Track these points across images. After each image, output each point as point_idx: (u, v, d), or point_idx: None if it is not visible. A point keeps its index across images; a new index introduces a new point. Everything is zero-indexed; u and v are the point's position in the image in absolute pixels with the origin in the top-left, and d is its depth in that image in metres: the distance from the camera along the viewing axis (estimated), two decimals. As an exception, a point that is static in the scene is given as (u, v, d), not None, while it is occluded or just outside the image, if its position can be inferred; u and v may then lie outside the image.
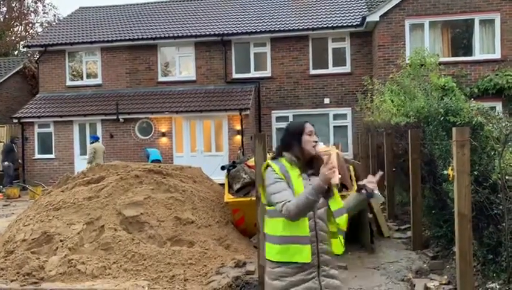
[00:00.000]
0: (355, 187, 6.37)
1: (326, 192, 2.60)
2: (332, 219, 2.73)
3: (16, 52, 31.13)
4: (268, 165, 2.79)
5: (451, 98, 8.10)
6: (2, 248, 6.17)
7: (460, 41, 15.40)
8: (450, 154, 5.25)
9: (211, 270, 5.57)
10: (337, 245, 2.76)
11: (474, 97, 11.59)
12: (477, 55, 14.88)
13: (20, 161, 17.20)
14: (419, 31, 15.09)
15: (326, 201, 2.72)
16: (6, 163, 16.33)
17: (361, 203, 2.86)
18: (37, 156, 17.41)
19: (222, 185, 7.44)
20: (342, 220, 2.73)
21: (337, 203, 2.74)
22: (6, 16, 31.70)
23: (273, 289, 2.73)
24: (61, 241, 5.95)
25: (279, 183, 2.68)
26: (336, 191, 2.75)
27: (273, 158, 2.86)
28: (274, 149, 2.95)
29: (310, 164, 2.79)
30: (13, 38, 32.47)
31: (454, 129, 4.27)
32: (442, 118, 6.19)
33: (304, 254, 2.65)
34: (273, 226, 2.74)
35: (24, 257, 5.74)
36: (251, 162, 6.55)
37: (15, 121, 17.48)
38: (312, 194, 2.50)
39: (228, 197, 6.75)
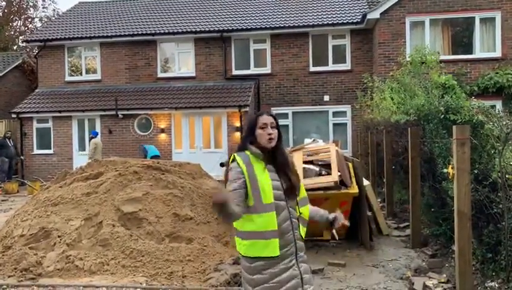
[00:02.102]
0: (354, 185, 6.36)
1: (291, 190, 2.73)
2: (297, 207, 2.79)
3: (15, 47, 31.06)
4: (234, 159, 2.74)
5: (451, 96, 8.10)
6: (0, 243, 6.15)
7: (461, 40, 15.37)
8: (450, 153, 5.23)
9: (209, 267, 5.55)
10: (303, 231, 2.84)
11: (474, 95, 11.58)
12: (478, 54, 14.86)
13: (22, 156, 17.09)
14: (420, 29, 15.06)
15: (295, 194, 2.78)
16: None
17: (322, 224, 3.02)
18: (36, 151, 17.38)
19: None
20: (305, 210, 2.83)
21: (302, 192, 2.84)
22: (6, 11, 31.59)
23: (257, 283, 2.71)
24: (59, 237, 5.93)
25: (236, 182, 2.66)
26: (301, 184, 2.86)
27: (238, 150, 2.81)
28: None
29: (272, 157, 2.78)
30: (12, 33, 32.40)
31: (454, 127, 4.25)
32: (443, 116, 6.18)
33: (270, 248, 2.67)
34: (240, 221, 2.72)
35: (22, 252, 5.72)
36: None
37: (13, 116, 17.45)
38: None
39: None
